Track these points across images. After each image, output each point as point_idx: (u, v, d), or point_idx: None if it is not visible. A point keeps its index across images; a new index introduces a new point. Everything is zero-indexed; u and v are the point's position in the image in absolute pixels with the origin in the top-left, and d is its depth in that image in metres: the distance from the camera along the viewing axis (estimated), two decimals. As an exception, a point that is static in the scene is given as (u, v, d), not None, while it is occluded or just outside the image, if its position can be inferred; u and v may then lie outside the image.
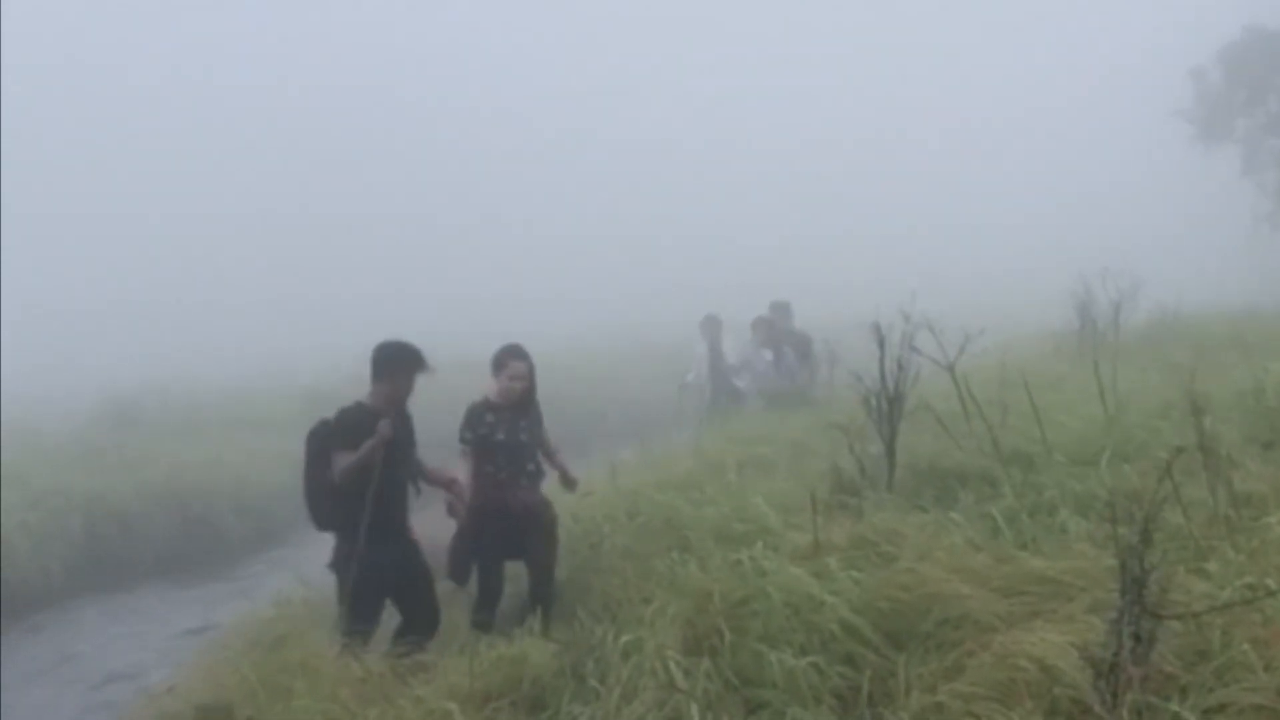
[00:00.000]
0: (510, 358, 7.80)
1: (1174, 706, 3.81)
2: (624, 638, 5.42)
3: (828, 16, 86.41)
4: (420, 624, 7.13)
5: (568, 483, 8.09)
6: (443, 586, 7.71)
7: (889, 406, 7.53)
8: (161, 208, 59.20)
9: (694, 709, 4.61)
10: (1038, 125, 71.90)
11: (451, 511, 7.40)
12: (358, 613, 6.90)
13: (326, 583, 9.41)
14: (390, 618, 7.41)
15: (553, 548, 7.76)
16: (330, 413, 7.33)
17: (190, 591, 13.56)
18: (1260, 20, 34.59)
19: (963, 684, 4.29)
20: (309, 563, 11.26)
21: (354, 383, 24.67)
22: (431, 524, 7.68)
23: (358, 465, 6.82)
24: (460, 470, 7.60)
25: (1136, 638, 3.89)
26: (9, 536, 13.21)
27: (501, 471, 7.67)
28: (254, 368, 28.48)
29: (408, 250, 56.12)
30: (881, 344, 7.52)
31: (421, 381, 7.29)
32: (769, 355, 13.62)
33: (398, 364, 7.12)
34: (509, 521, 7.57)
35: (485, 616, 7.41)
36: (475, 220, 62.32)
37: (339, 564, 7.11)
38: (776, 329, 13.93)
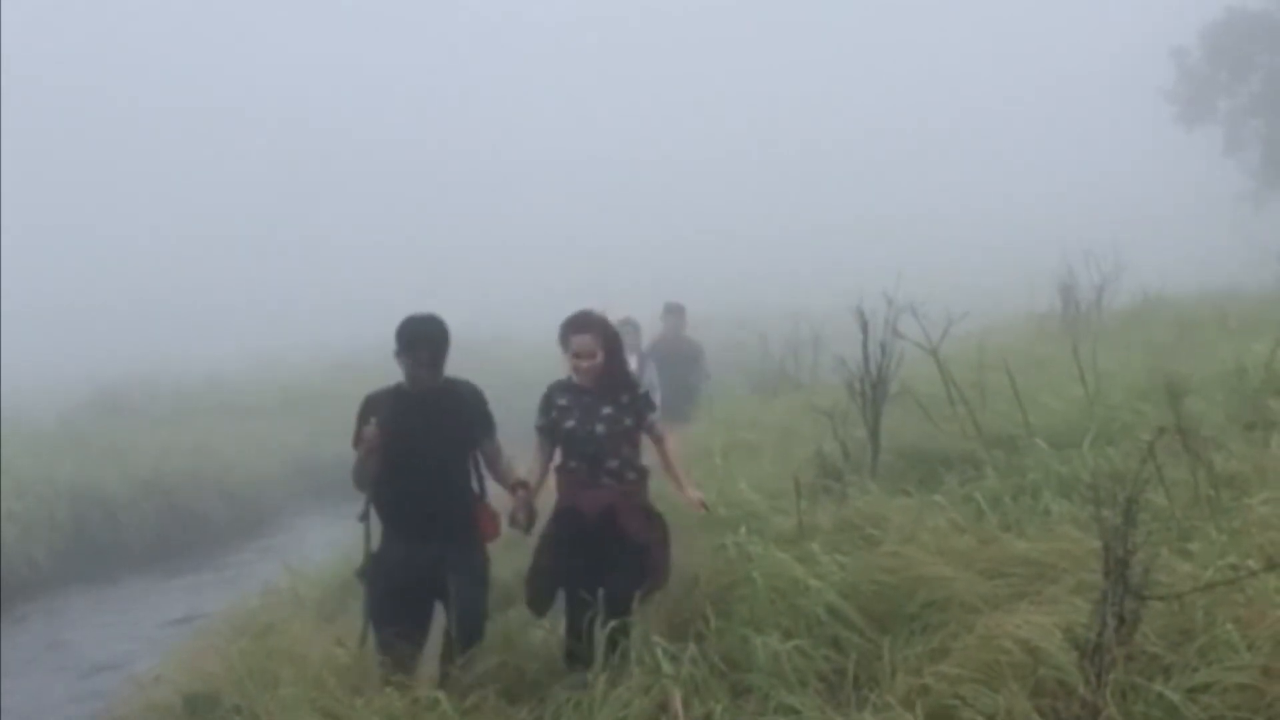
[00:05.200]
0: (572, 331, 6.18)
1: (1158, 686, 3.83)
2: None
3: (815, 11, 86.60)
4: (460, 636, 5.89)
5: (687, 500, 6.32)
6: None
7: (872, 391, 7.55)
8: (148, 205, 59.22)
9: (679, 694, 4.62)
10: (1019, 108, 71.94)
11: (513, 520, 6.01)
12: (371, 616, 6.09)
13: (312, 571, 9.46)
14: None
15: (637, 574, 5.88)
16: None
17: (177, 580, 13.55)
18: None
19: (948, 666, 4.30)
20: (296, 551, 11.29)
21: (336, 371, 24.61)
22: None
23: (356, 471, 6.10)
24: (531, 466, 6.25)
25: (1120, 618, 3.92)
26: (-4, 526, 13.22)
27: (579, 469, 6.12)
28: (239, 358, 28.46)
29: (392, 247, 56.18)
30: (864, 328, 7.53)
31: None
32: (633, 360, 12.54)
33: (411, 339, 6.00)
34: (582, 532, 6.01)
35: (574, 666, 5.73)
36: (469, 222, 62.39)
37: (367, 572, 6.18)
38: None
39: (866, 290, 7.82)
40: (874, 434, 7.49)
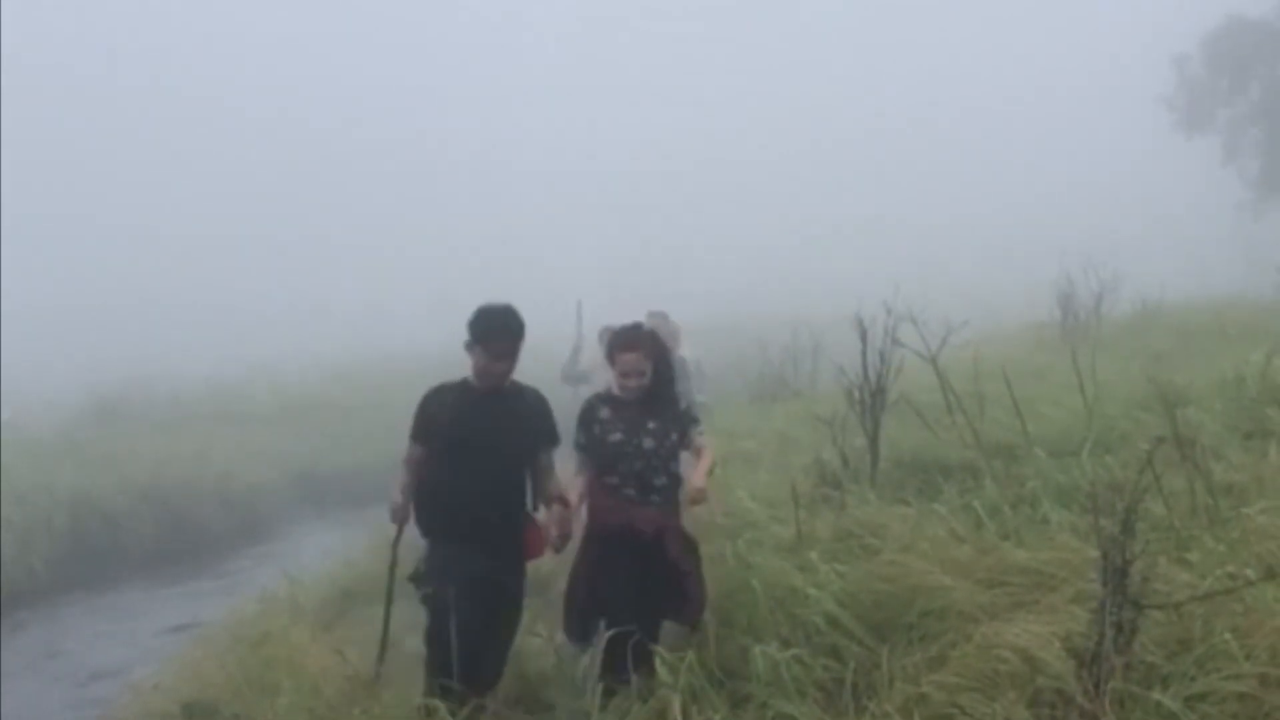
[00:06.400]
0: (619, 349, 5.78)
1: (1156, 695, 3.82)
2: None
3: (814, 12, 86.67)
4: (478, 669, 5.46)
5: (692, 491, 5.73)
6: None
7: (872, 400, 7.54)
8: (149, 212, 59.16)
9: (678, 702, 4.61)
10: (1019, 115, 72.01)
11: (547, 538, 5.64)
12: (436, 644, 5.45)
13: (310, 579, 9.44)
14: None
15: (679, 602, 5.62)
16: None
17: (175, 588, 13.54)
18: (1242, 9, 34.68)
19: (946, 675, 4.30)
20: (293, 559, 11.28)
21: (334, 380, 24.49)
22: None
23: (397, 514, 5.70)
24: (572, 484, 5.75)
25: (1119, 628, 3.91)
26: (-4, 533, 13.22)
27: (626, 486, 5.67)
28: (237, 364, 28.46)
29: (392, 254, 56.14)
30: (864, 337, 7.53)
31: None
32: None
33: (487, 329, 5.56)
34: (632, 556, 5.55)
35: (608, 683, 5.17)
36: (472, 227, 62.35)
37: (421, 576, 5.61)
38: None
39: (865, 298, 7.82)
40: (873, 443, 7.49)
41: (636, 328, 5.92)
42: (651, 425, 5.69)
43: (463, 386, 5.68)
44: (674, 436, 5.74)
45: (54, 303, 42.74)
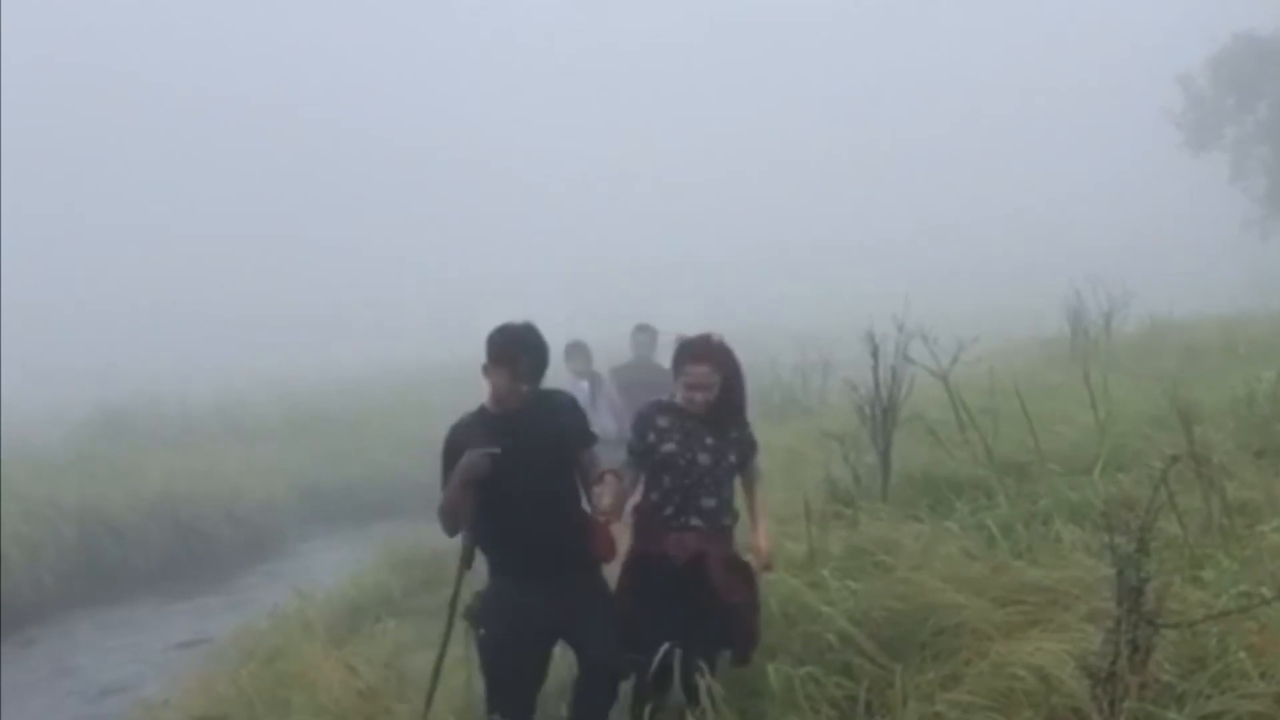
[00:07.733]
0: (689, 359, 5.34)
1: (1171, 715, 3.83)
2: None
3: (816, 26, 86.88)
4: (590, 694, 5.29)
5: (756, 553, 5.42)
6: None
7: (883, 416, 7.54)
8: (156, 220, 59.27)
9: (691, 720, 4.61)
10: (1027, 130, 72.10)
11: (597, 508, 5.09)
12: (493, 685, 5.25)
13: (321, 596, 9.43)
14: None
15: (721, 636, 5.19)
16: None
17: (184, 603, 13.53)
18: (1250, 27, 34.69)
19: (960, 693, 4.31)
20: (303, 575, 11.28)
21: (342, 394, 24.34)
22: None
23: (446, 510, 5.15)
24: (608, 489, 5.07)
25: (1134, 646, 3.90)
26: (2, 548, 13.21)
27: (666, 505, 5.27)
28: (245, 378, 28.49)
29: (399, 264, 56.21)
30: (875, 353, 7.52)
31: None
32: (585, 386, 10.63)
33: (508, 346, 5.16)
34: (669, 579, 5.18)
35: None
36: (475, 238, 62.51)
37: (476, 613, 5.26)
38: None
39: (876, 314, 7.83)
40: (885, 459, 7.48)
41: (706, 339, 5.44)
42: (710, 441, 5.29)
43: (482, 416, 5.26)
44: (732, 458, 5.33)
45: (59, 313, 42.82)
